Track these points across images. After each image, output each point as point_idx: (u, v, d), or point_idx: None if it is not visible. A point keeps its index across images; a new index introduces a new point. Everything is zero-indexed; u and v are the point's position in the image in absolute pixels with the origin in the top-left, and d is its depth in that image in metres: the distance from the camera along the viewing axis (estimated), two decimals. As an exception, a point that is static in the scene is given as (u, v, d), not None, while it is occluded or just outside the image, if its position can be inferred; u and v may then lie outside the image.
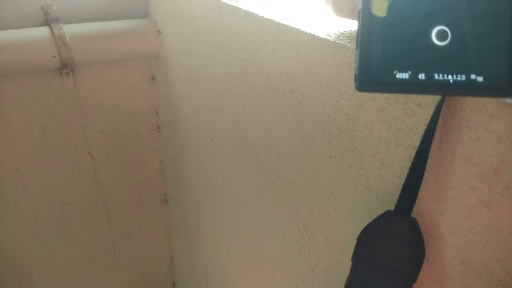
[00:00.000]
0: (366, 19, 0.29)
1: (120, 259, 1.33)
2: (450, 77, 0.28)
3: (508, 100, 0.29)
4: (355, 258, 0.41)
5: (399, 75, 0.29)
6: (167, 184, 1.28)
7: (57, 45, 0.86)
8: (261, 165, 0.66)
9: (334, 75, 0.46)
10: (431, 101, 0.35)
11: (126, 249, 1.32)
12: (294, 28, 0.50)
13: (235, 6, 0.62)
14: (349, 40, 0.44)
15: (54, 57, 0.88)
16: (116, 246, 1.30)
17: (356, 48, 0.29)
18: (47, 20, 0.91)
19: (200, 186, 0.98)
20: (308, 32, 0.48)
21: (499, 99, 0.30)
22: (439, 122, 0.34)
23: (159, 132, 1.21)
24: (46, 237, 1.19)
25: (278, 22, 0.53)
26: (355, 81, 0.29)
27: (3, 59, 0.86)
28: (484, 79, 0.28)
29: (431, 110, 0.35)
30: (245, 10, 0.60)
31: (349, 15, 0.43)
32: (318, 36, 0.46)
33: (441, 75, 0.28)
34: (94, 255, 1.28)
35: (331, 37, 0.45)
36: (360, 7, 0.29)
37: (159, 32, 0.98)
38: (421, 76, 0.28)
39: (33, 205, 1.13)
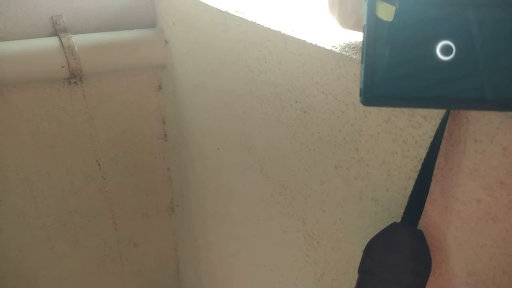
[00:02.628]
0: (371, 33, 0.29)
1: (127, 267, 1.33)
2: (455, 91, 0.28)
3: (514, 113, 0.30)
4: (362, 269, 0.41)
5: (404, 89, 0.29)
6: (173, 192, 1.29)
7: (66, 55, 0.88)
8: (267, 174, 0.66)
9: (339, 86, 0.46)
10: (437, 113, 0.35)
11: (132, 257, 1.32)
12: (299, 39, 0.50)
13: (241, 17, 0.63)
14: (354, 52, 0.44)
15: (63, 67, 0.89)
16: (123, 254, 1.31)
17: (361, 62, 0.30)
18: (56, 31, 0.92)
19: (206, 194, 0.98)
20: (313, 43, 0.48)
21: (504, 112, 0.30)
22: (445, 134, 0.35)
23: (166, 141, 1.21)
24: (53, 245, 1.20)
25: (284, 33, 0.53)
26: (360, 95, 0.30)
27: (13, 69, 0.88)
28: (490, 93, 0.28)
29: (437, 122, 0.35)
30: (251, 21, 0.60)
31: (354, 27, 0.43)
32: (324, 47, 0.47)
33: (446, 89, 0.28)
34: (100, 263, 1.29)
35: (336, 48, 0.46)
36: (365, 22, 0.30)
37: (166, 41, 0.99)
38: (426, 90, 0.28)
39: (41, 213, 1.14)
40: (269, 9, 0.67)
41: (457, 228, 0.36)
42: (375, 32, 0.29)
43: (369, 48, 0.29)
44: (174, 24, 0.92)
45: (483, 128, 0.32)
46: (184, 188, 1.17)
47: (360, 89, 0.30)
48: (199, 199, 1.05)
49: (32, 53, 0.88)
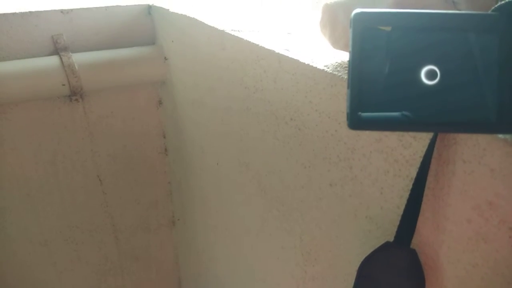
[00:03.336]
0: (357, 58, 0.30)
1: (129, 281, 1.33)
2: (440, 115, 0.29)
3: (500, 135, 0.30)
4: (356, 288, 0.41)
5: (390, 114, 0.29)
6: (174, 206, 1.29)
7: (66, 73, 0.89)
8: (265, 190, 0.67)
9: (332, 105, 0.46)
10: (425, 134, 0.36)
11: (134, 272, 1.32)
12: (293, 58, 0.51)
13: (237, 36, 0.64)
14: (346, 72, 0.45)
15: (63, 85, 0.91)
16: (124, 268, 1.31)
17: (348, 88, 0.30)
18: (57, 49, 0.93)
19: (206, 209, 0.98)
20: (306, 63, 0.49)
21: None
22: (434, 154, 0.35)
23: (166, 155, 1.22)
24: (55, 261, 1.20)
25: (278, 53, 0.54)
26: (347, 119, 0.30)
27: (15, 88, 0.89)
28: (473, 116, 0.29)
29: (426, 142, 0.36)
30: (246, 40, 0.61)
31: (345, 48, 0.44)
32: (316, 67, 0.47)
33: (431, 113, 0.29)
34: (102, 278, 1.28)
35: (328, 68, 0.46)
36: (350, 48, 0.30)
37: (165, 58, 1.00)
38: (412, 114, 0.29)
39: (43, 229, 1.14)
40: (266, 27, 0.68)
41: (449, 248, 0.36)
42: (360, 57, 0.30)
43: (354, 73, 0.30)
44: (172, 41, 0.93)
45: (470, 150, 0.32)
46: (185, 202, 1.17)
47: (347, 114, 0.30)
48: (199, 213, 1.05)
49: (33, 72, 0.89)
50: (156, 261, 1.34)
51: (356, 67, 0.30)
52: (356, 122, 0.29)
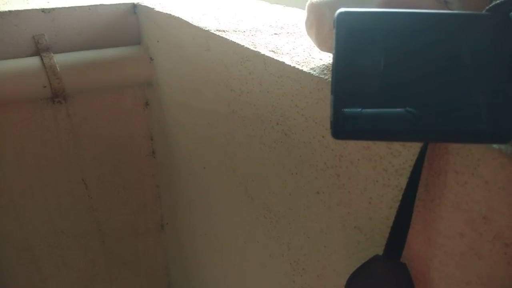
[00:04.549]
0: (341, 62, 0.28)
1: (117, 286, 1.30)
2: (430, 123, 0.27)
3: (495, 145, 0.28)
4: (344, 304, 0.39)
5: (377, 122, 0.27)
6: (163, 210, 1.26)
7: (48, 75, 0.86)
8: (252, 196, 0.64)
9: (319, 110, 0.44)
10: (415, 142, 0.33)
11: (122, 277, 1.29)
12: (278, 61, 0.49)
13: (221, 37, 0.61)
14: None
15: (44, 87, 0.88)
16: (112, 273, 1.28)
17: (331, 93, 0.28)
18: (38, 50, 0.90)
19: (194, 214, 0.96)
20: (292, 65, 0.47)
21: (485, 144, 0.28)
22: (425, 164, 0.33)
23: (154, 157, 1.19)
24: (40, 266, 1.17)
25: (264, 54, 0.52)
26: (331, 128, 0.28)
27: (-6, 90, 0.86)
28: (465, 124, 0.26)
29: (416, 151, 0.34)
30: (231, 40, 0.59)
31: (332, 50, 0.42)
32: (302, 69, 0.45)
33: (420, 121, 0.27)
34: (89, 283, 1.25)
35: (315, 71, 0.44)
36: (334, 50, 0.28)
37: (151, 59, 0.98)
38: (400, 122, 0.27)
39: (27, 235, 1.11)
40: (252, 27, 0.66)
41: (441, 262, 0.34)
42: (345, 59, 0.28)
43: (338, 77, 0.28)
44: (158, 41, 0.90)
45: (463, 160, 0.30)
46: (174, 206, 1.14)
47: (331, 122, 0.28)
48: (188, 218, 1.03)
49: (13, 73, 0.86)
50: (145, 266, 1.32)
51: (340, 71, 0.27)
52: (340, 132, 0.27)
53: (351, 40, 0.27)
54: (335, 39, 0.27)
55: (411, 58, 0.26)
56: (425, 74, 0.26)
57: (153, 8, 0.88)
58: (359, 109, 0.27)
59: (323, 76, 0.43)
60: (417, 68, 0.26)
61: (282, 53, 0.51)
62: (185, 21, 0.73)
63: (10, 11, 0.87)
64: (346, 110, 0.27)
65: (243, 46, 0.56)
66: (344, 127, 0.27)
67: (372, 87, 0.27)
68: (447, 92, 0.26)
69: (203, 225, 0.91)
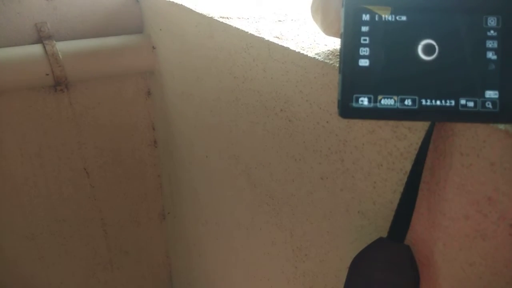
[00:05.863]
0: (349, 42, 0.28)
1: (118, 276, 1.31)
2: (438, 102, 0.27)
3: (501, 126, 0.28)
4: (348, 287, 0.39)
5: (384, 101, 0.27)
6: (164, 199, 1.27)
7: (50, 62, 0.86)
8: (255, 184, 0.65)
9: (323, 95, 0.44)
10: (421, 125, 0.33)
11: (124, 266, 1.30)
12: (283, 46, 0.49)
13: (225, 23, 0.61)
14: (338, 60, 0.42)
15: (47, 74, 0.87)
16: (114, 262, 1.28)
17: (339, 72, 0.28)
18: (41, 38, 0.90)
19: (196, 202, 0.96)
20: (297, 51, 0.46)
21: (491, 124, 0.28)
22: (430, 147, 0.33)
23: (156, 147, 1.19)
24: (42, 255, 1.17)
25: (268, 40, 0.52)
26: (338, 107, 0.28)
27: (-4, 78, 0.86)
28: (474, 104, 0.27)
29: (421, 134, 0.34)
30: (235, 27, 0.59)
31: (338, 34, 0.42)
32: (307, 55, 0.45)
33: (428, 100, 0.27)
34: (91, 272, 1.26)
35: (320, 56, 0.44)
36: (342, 30, 0.28)
37: (153, 47, 0.97)
38: (408, 101, 0.27)
39: (29, 223, 1.12)
40: (256, 13, 0.65)
41: (445, 245, 0.34)
42: (353, 40, 0.28)
43: (347, 58, 0.28)
44: (160, 30, 0.90)
45: (469, 142, 0.30)
46: (175, 195, 1.15)
47: (338, 101, 0.28)
48: (190, 207, 1.03)
49: (16, 61, 0.86)
50: (146, 255, 1.32)
51: (348, 50, 0.27)
52: (348, 111, 0.27)
53: (360, 19, 0.27)
54: (343, 18, 0.27)
55: (420, 36, 0.26)
56: (433, 51, 0.26)
57: (156, -4, 0.87)
58: (369, 87, 0.27)
59: (328, 61, 0.43)
60: (425, 46, 0.26)
61: (287, 39, 0.51)
62: (188, 8, 0.73)
63: (12, -2, 0.87)
64: (354, 88, 0.27)
65: (247, 32, 0.56)
66: (351, 107, 0.27)
67: (380, 67, 0.27)
68: (453, 70, 0.26)
69: (205, 213, 0.92)
